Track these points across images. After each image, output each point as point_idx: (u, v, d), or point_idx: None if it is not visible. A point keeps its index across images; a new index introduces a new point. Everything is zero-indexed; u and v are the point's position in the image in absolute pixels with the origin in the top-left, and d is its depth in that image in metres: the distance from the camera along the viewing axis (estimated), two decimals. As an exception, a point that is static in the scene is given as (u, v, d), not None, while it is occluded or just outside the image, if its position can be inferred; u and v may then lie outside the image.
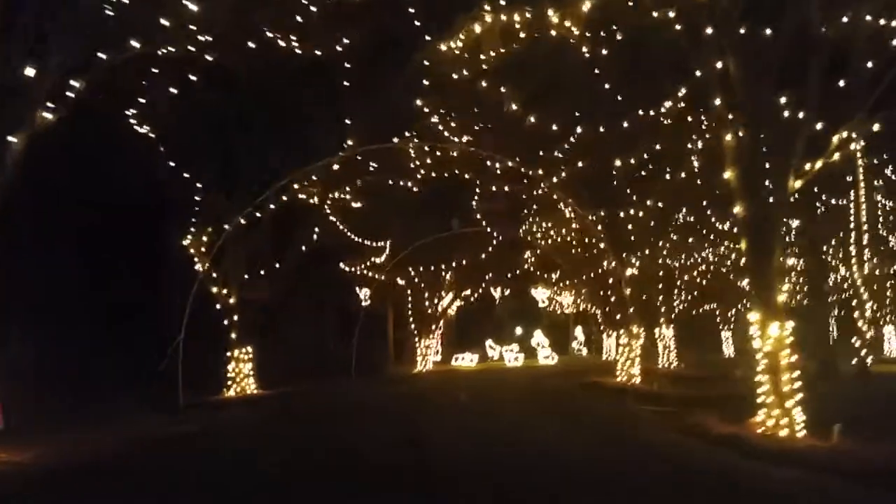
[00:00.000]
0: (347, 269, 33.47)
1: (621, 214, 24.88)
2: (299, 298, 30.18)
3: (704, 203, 24.58)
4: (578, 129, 22.09)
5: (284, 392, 23.99)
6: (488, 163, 24.38)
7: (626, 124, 20.64)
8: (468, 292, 42.29)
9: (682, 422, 15.14)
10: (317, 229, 26.62)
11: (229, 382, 22.81)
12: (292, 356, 29.54)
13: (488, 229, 30.40)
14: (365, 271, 33.40)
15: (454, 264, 32.98)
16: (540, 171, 23.75)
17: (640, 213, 24.94)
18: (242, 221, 21.46)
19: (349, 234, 30.49)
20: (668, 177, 23.76)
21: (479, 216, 29.41)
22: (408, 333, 39.26)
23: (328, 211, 27.83)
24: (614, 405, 20.90)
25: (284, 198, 22.66)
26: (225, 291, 22.46)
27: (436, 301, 36.17)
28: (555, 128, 21.68)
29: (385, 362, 37.77)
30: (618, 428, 16.59)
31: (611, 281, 27.85)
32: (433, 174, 26.59)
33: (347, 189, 26.43)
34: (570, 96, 21.00)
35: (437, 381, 31.11)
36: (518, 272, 40.72)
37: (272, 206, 22.46)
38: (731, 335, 43.86)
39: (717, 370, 26.94)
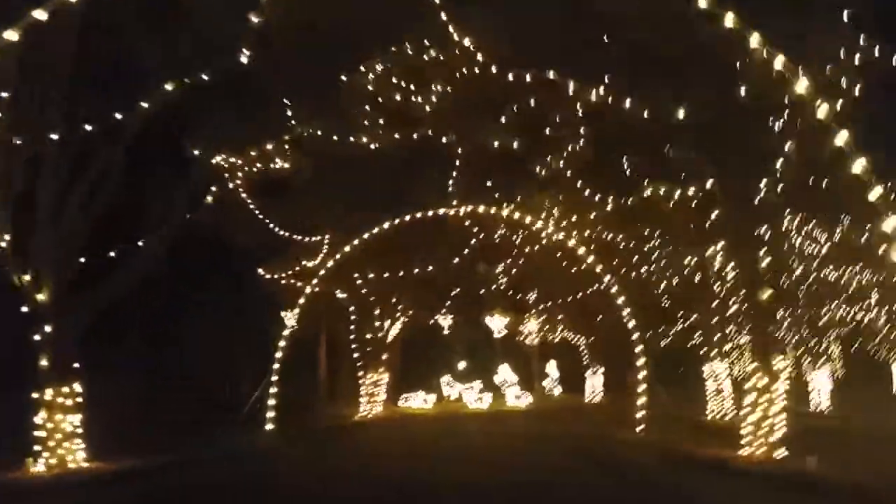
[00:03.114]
0: (267, 275, 24.62)
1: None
2: (190, 311, 21.06)
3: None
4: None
5: (138, 468, 13.97)
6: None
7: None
8: (412, 317, 32.91)
9: None
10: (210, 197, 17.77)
11: (38, 448, 13.23)
12: (169, 400, 20.24)
13: (467, 223, 21.76)
14: (292, 281, 24.54)
15: (415, 271, 24.15)
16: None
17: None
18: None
19: (268, 222, 21.94)
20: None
21: (454, 203, 20.66)
22: (346, 365, 30.42)
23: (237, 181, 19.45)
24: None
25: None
26: (29, 278, 13.08)
27: (387, 322, 27.23)
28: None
29: (315, 404, 28.80)
30: None
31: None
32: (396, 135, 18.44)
33: (268, 146, 17.89)
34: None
35: (392, 435, 22.26)
36: (483, 291, 32.34)
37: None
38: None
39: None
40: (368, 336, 27.17)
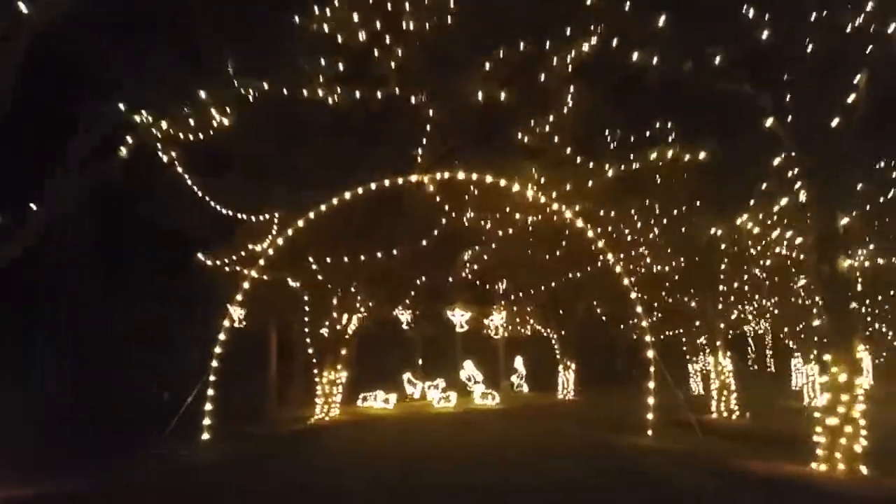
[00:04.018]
0: (209, 262, 21.68)
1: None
2: (119, 303, 18.13)
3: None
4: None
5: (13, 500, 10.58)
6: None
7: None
8: (370, 310, 29.78)
9: None
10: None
11: None
12: (89, 406, 17.19)
13: (437, 199, 19.01)
14: (237, 268, 21.58)
15: (378, 254, 21.24)
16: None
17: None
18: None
19: (208, 200, 19.15)
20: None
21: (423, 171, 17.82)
22: (299, 363, 27.59)
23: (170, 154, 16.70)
24: None
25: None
26: None
27: (345, 315, 24.26)
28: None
29: (265, 406, 25.89)
30: None
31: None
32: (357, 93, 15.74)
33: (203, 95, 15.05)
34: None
35: (352, 445, 18.57)
36: (451, 279, 29.75)
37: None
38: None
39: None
40: (325, 330, 24.33)
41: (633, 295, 15.43)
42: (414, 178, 16.13)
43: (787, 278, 20.70)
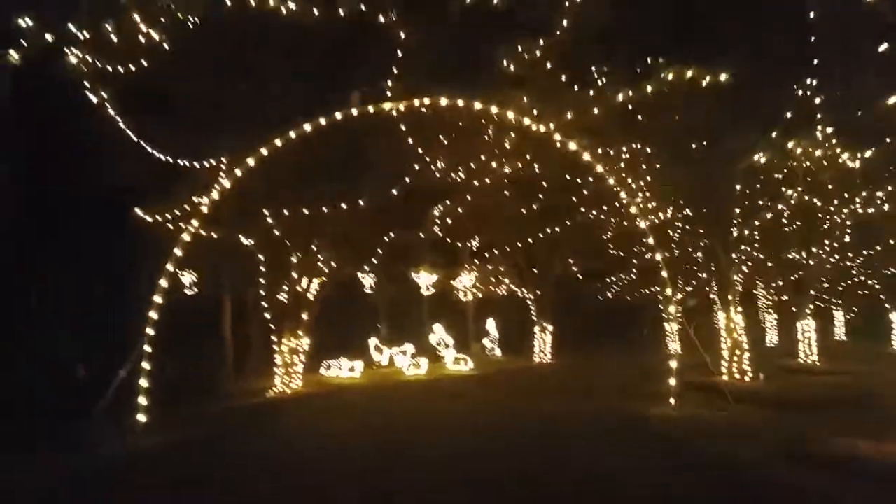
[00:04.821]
0: (148, 217, 19.09)
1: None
2: (44, 266, 15.64)
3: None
4: None
5: None
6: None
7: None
8: (331, 272, 26.96)
9: None
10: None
11: None
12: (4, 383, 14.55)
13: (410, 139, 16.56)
14: (181, 224, 18.95)
15: (342, 205, 18.75)
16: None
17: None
18: None
19: (145, 144, 16.62)
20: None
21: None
22: (257, 331, 25.20)
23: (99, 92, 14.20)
24: None
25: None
26: None
27: (305, 277, 21.79)
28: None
29: (219, 379, 23.49)
30: None
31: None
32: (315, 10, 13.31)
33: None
34: None
35: (319, 421, 16.00)
36: (422, 236, 27.52)
37: None
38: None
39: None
40: (283, 295, 21.91)
41: (650, 240, 13.32)
42: (388, 105, 13.69)
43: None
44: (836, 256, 23.42)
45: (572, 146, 12.81)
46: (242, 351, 27.26)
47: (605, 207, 21.88)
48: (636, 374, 14.63)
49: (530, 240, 27.70)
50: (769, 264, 21.14)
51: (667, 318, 34.48)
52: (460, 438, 12.68)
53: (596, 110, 13.65)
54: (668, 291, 13.70)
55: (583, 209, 24.66)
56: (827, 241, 22.00)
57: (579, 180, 19.68)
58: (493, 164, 22.12)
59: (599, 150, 14.59)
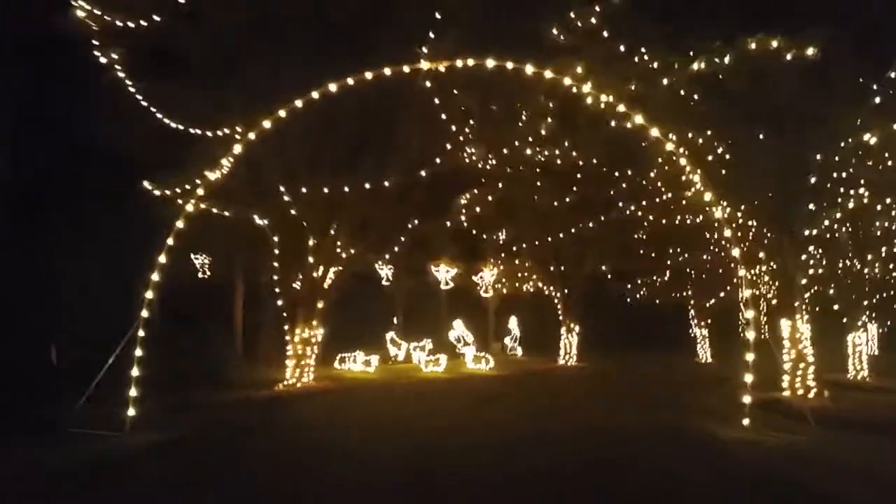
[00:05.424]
0: (157, 192, 17.71)
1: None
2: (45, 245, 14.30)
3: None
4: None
5: None
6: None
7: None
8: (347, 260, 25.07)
9: None
10: None
11: None
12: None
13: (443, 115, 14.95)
14: (192, 201, 17.44)
15: (364, 186, 17.16)
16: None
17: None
18: None
19: (154, 111, 15.22)
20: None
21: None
22: (269, 319, 23.79)
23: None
24: None
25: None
26: None
27: (323, 263, 20.20)
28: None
29: (230, 368, 22.06)
30: None
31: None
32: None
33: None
34: None
35: (326, 428, 13.55)
36: (448, 225, 26.00)
37: None
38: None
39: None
40: (298, 282, 20.42)
41: (727, 232, 11.54)
42: (425, 65, 12.04)
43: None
44: (893, 264, 21.70)
45: (638, 119, 11.09)
46: (253, 338, 25.94)
47: (667, 195, 19.43)
48: (675, 382, 12.92)
49: (561, 235, 26.09)
50: (819, 270, 19.43)
51: (697, 324, 32.95)
52: (499, 464, 10.34)
53: (665, 80, 11.99)
54: (748, 292, 11.92)
55: (620, 204, 23.03)
56: (884, 248, 20.34)
57: (629, 171, 17.98)
58: (528, 151, 20.60)
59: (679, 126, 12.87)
